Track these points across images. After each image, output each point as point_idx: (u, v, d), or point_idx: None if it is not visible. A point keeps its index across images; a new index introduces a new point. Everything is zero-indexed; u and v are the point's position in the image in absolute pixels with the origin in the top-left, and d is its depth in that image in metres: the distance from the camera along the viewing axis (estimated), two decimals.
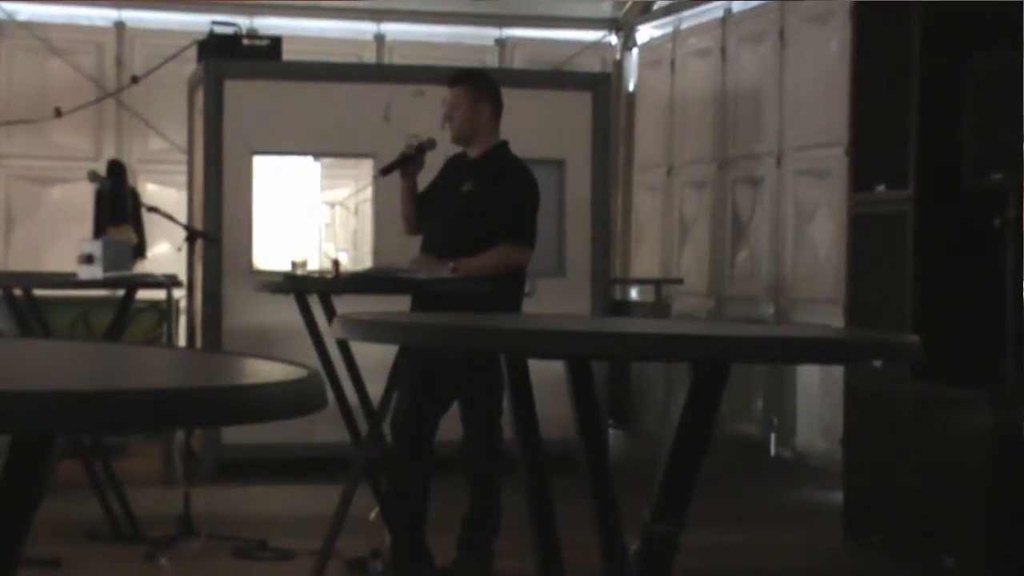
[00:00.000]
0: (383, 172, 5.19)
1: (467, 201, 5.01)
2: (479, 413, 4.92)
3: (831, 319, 6.90)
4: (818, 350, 2.50)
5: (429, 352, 4.73)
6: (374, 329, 2.66)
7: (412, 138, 5.29)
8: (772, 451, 8.11)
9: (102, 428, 1.29)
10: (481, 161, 5.06)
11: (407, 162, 5.05)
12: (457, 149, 5.19)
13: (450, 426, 5.00)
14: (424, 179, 5.18)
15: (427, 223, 5.12)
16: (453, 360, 4.85)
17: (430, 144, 5.08)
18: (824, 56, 7.67)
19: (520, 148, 5.21)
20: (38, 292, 5.93)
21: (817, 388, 7.62)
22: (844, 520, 5.77)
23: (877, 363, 5.43)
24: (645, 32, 9.89)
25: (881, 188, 5.67)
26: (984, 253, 5.20)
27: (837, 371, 6.76)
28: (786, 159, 8.21)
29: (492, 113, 5.08)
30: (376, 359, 4.79)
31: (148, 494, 6.11)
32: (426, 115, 6.56)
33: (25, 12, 8.95)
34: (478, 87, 5.10)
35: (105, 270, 5.48)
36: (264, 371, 1.63)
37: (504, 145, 5.12)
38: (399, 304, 4.86)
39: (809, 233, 7.98)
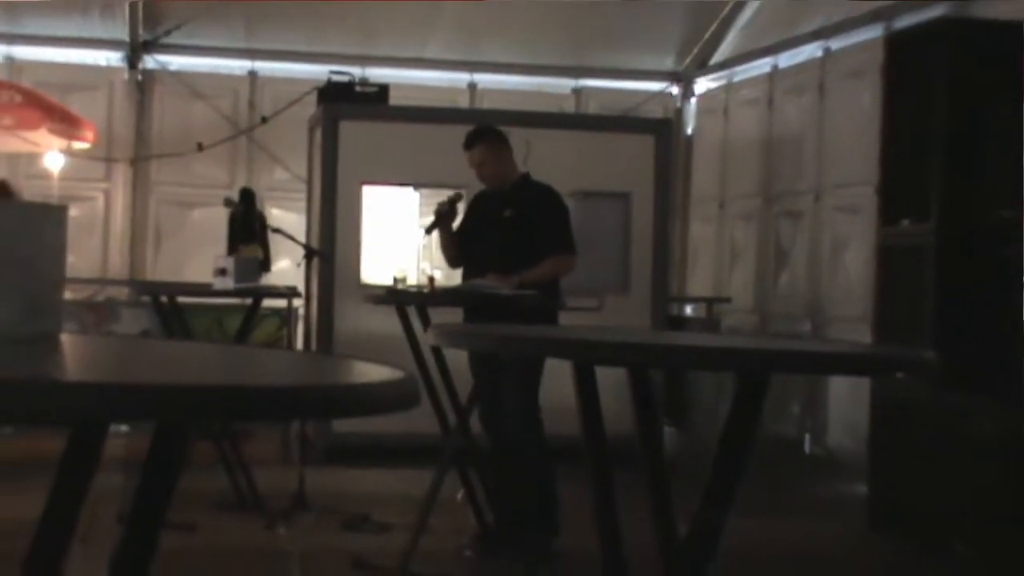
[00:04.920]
0: (427, 231, 5.29)
1: (513, 224, 5.09)
2: (516, 403, 4.87)
3: (861, 335, 6.81)
4: (843, 364, 2.47)
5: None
6: (463, 338, 2.68)
7: (444, 198, 5.29)
8: (807, 449, 8.01)
9: (232, 418, 1.31)
10: (514, 191, 5.17)
11: (444, 218, 5.15)
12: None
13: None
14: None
15: (470, 250, 5.16)
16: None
17: (458, 197, 5.24)
18: (859, 107, 7.59)
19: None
20: (180, 299, 6.04)
21: (847, 394, 7.52)
22: (869, 511, 5.69)
23: (900, 375, 5.37)
24: (702, 84, 9.85)
25: (906, 222, 5.62)
26: (997, 279, 5.15)
27: (865, 379, 6.67)
28: (824, 196, 8.12)
29: (509, 153, 5.21)
30: (464, 361, 4.81)
31: (269, 472, 6.17)
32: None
33: (175, 63, 9.18)
34: (491, 140, 5.19)
35: (236, 282, 5.56)
36: (368, 372, 1.65)
37: (527, 175, 5.26)
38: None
39: (843, 260, 7.89)
